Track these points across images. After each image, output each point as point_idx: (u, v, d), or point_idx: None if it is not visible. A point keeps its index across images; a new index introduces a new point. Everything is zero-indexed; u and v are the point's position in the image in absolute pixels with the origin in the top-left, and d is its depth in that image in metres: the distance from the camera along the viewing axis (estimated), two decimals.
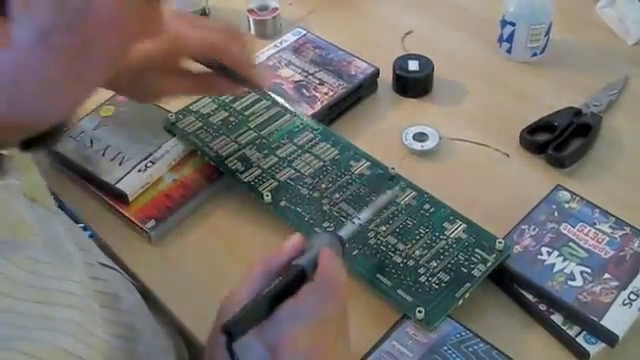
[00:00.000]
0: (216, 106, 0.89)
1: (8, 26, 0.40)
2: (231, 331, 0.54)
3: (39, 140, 0.53)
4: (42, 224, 0.55)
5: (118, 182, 0.80)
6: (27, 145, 0.53)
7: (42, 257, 0.52)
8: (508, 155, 0.86)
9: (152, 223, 0.77)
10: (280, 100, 0.81)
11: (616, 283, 0.70)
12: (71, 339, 0.49)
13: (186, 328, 0.72)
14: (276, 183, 0.81)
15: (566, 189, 0.79)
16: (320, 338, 0.55)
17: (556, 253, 0.72)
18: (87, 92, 0.51)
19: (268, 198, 0.79)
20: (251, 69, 0.78)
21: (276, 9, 1.05)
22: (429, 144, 0.86)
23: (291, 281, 0.58)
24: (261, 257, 0.61)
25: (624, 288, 0.69)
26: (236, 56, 0.76)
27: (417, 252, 0.73)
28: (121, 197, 0.79)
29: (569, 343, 0.68)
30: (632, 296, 0.69)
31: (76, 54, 0.45)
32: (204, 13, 1.08)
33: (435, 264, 0.72)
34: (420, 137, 0.87)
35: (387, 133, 0.89)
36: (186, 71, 0.78)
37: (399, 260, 0.72)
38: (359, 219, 0.69)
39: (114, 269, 0.69)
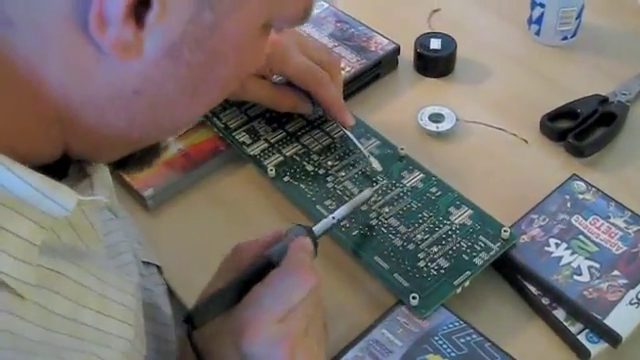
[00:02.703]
0: None
1: (142, 35, 0.39)
2: (192, 320, 0.53)
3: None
4: (103, 229, 0.54)
5: None
6: (123, 164, 0.52)
7: (106, 264, 0.51)
8: (526, 141, 0.82)
9: (151, 191, 0.75)
10: (356, 142, 0.79)
11: (625, 281, 0.66)
12: (119, 355, 0.48)
13: (180, 299, 0.71)
14: (282, 158, 0.79)
15: (582, 179, 0.75)
16: (287, 325, 0.53)
17: (564, 245, 0.69)
18: (197, 113, 0.50)
19: (272, 173, 0.77)
20: (339, 107, 0.79)
21: None
22: (445, 125, 0.83)
23: (256, 270, 0.57)
24: (235, 248, 0.60)
25: (633, 287, 0.66)
26: (329, 94, 0.78)
27: (419, 236, 0.70)
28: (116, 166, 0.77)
29: (570, 340, 0.65)
30: None
31: (198, 71, 0.44)
32: None
33: (436, 249, 0.69)
34: (436, 118, 0.84)
35: (403, 112, 0.86)
36: (276, 86, 0.80)
37: (399, 243, 0.70)
38: (334, 217, 0.67)
39: (156, 265, 0.68)
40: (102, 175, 0.50)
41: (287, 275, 0.55)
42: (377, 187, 0.75)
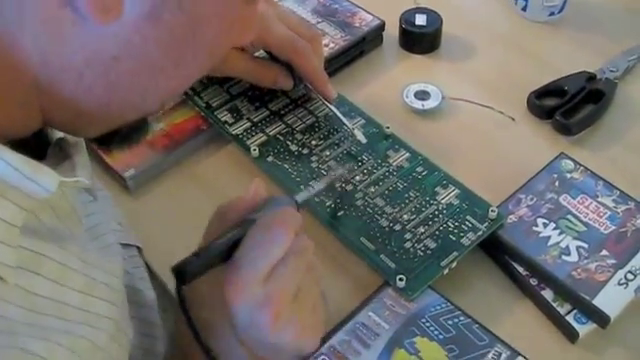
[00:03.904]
0: None
1: None
2: (182, 272, 0.50)
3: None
4: (84, 211, 0.53)
5: None
6: (108, 141, 0.51)
7: (89, 245, 0.50)
8: (513, 119, 0.81)
9: (131, 172, 0.74)
10: (339, 115, 0.77)
11: (614, 261, 0.65)
12: (106, 336, 0.47)
13: (162, 281, 0.69)
14: (265, 137, 0.77)
15: (570, 158, 0.74)
16: (271, 287, 0.51)
17: (552, 225, 0.68)
18: (181, 84, 0.48)
19: (255, 153, 0.75)
20: (321, 79, 0.78)
21: None
22: (430, 103, 0.82)
23: (244, 232, 0.53)
24: (217, 212, 0.58)
25: (621, 267, 0.65)
26: (311, 65, 0.77)
27: (405, 216, 0.69)
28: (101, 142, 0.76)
29: (558, 321, 0.64)
30: (629, 276, 0.64)
31: (180, 35, 0.42)
32: None
33: (423, 230, 0.68)
34: (422, 95, 0.82)
35: (388, 90, 0.85)
36: (257, 59, 0.78)
37: (385, 224, 0.69)
38: (313, 188, 0.65)
39: (136, 247, 0.67)
40: (82, 157, 0.48)
41: (264, 229, 0.53)
42: (353, 164, 0.73)
